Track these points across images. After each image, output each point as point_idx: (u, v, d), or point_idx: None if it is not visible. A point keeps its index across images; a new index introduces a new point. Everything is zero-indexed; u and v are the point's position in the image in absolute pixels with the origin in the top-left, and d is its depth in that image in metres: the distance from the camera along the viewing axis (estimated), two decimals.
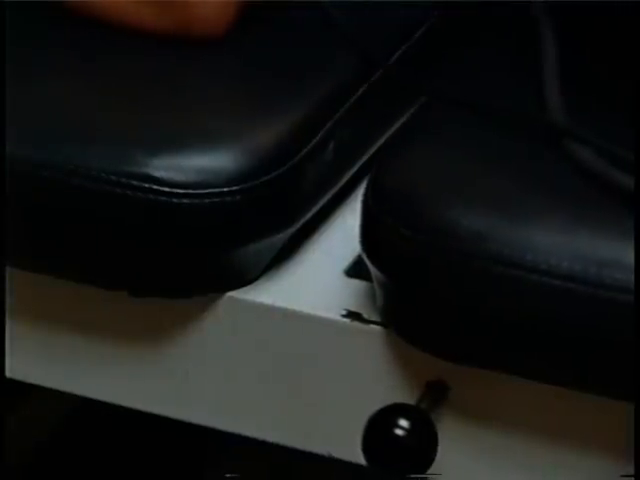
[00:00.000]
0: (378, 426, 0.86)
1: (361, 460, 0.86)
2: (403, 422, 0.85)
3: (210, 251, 0.93)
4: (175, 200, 0.89)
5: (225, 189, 0.90)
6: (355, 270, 0.94)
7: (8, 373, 1.01)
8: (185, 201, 0.89)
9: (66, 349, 1.00)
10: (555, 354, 0.86)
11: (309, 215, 0.96)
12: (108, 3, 1.02)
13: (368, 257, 0.88)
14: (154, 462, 1.40)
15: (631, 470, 0.84)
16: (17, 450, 1.38)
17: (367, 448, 0.86)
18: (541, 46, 0.94)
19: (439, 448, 0.86)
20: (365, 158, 1.03)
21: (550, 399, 0.88)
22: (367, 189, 0.90)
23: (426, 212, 0.87)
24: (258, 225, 0.93)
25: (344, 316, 0.90)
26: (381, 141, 1.04)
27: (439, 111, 0.98)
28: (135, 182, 0.89)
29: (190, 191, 0.89)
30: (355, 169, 1.02)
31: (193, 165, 0.90)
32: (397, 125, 1.04)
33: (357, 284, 0.93)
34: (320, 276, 0.95)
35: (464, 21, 1.10)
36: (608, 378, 0.86)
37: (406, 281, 0.88)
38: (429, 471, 0.87)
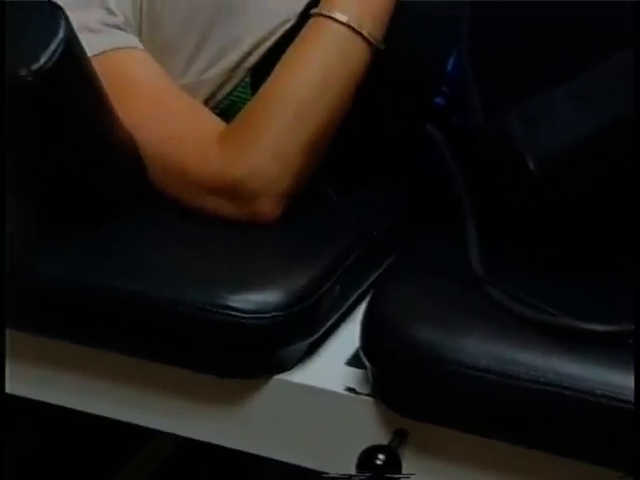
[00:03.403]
0: (366, 458, 0.89)
1: None
2: (380, 455, 0.88)
3: (265, 351, 0.95)
4: (244, 321, 0.92)
5: (273, 314, 0.92)
6: (352, 362, 0.95)
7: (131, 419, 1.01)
8: (250, 322, 0.92)
9: (170, 410, 0.99)
10: (477, 419, 0.87)
11: (324, 328, 0.97)
12: (200, 201, 1.01)
13: (365, 355, 0.91)
14: None
15: None
16: None
17: (359, 471, 0.88)
18: (466, 232, 0.94)
19: (403, 471, 0.89)
20: (359, 293, 1.02)
21: (474, 442, 0.88)
22: (365, 314, 0.92)
23: (399, 329, 0.88)
24: (293, 336, 0.95)
25: (345, 390, 0.92)
26: (368, 283, 1.03)
27: (407, 265, 0.98)
28: (220, 310, 0.92)
29: (253, 315, 0.92)
30: (352, 300, 1.02)
31: (255, 299, 0.92)
32: (378, 273, 1.04)
33: (354, 370, 0.94)
34: (330, 365, 0.96)
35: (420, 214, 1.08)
36: (517, 434, 0.86)
37: (386, 371, 0.90)
38: None
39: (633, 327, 0.83)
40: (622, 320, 0.84)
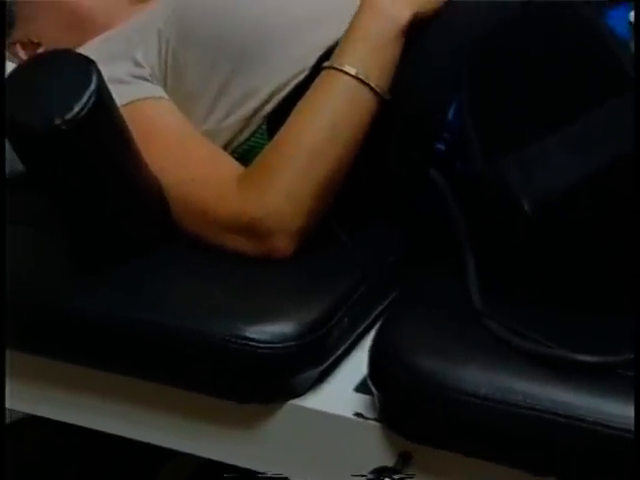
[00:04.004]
0: (373, 479, 0.89)
1: None
2: (386, 478, 0.89)
3: (279, 378, 0.95)
4: (259, 350, 0.92)
5: (287, 344, 0.92)
6: (360, 388, 0.95)
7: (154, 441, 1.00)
8: (265, 351, 0.92)
9: (192, 432, 0.98)
10: (477, 443, 0.86)
11: (334, 357, 0.97)
12: (220, 239, 1.00)
13: (372, 383, 0.91)
14: None
15: None
16: None
17: None
18: (466, 268, 0.93)
19: None
20: (365, 324, 1.01)
21: (474, 465, 0.87)
22: (372, 345, 0.92)
23: (403, 359, 0.88)
24: (305, 364, 0.95)
25: (354, 415, 0.92)
26: (374, 315, 1.02)
27: (411, 299, 0.98)
28: (239, 340, 0.92)
29: (268, 345, 0.92)
30: (360, 331, 1.01)
31: (270, 330, 0.92)
32: (382, 307, 1.03)
33: (361, 396, 0.94)
34: (340, 391, 0.96)
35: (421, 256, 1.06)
36: (515, 458, 0.85)
37: (392, 397, 0.90)
38: None
39: (623, 358, 0.82)
40: (612, 352, 0.83)
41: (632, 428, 0.79)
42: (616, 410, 0.81)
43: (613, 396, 0.82)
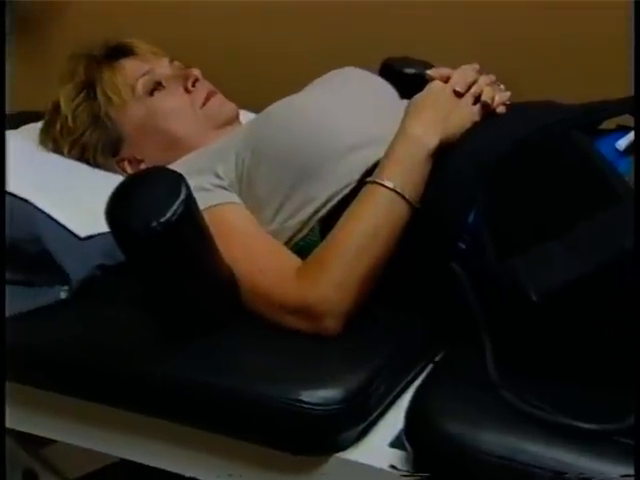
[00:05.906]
0: None
1: None
2: None
3: (327, 434, 0.94)
4: (313, 412, 0.92)
5: (334, 407, 0.92)
6: (395, 444, 0.93)
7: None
8: (317, 412, 0.92)
9: (254, 477, 0.97)
10: None
11: (372, 417, 0.96)
12: (281, 319, 1.00)
13: (407, 441, 0.90)
14: None
15: None
16: None
17: None
18: (484, 346, 0.90)
19: None
20: (398, 390, 0.99)
21: None
22: (407, 410, 0.92)
23: (432, 422, 0.87)
24: (348, 423, 0.94)
25: (389, 467, 0.91)
26: (405, 382, 1.00)
27: (438, 372, 0.97)
28: (295, 402, 0.92)
29: (319, 407, 0.92)
30: (393, 395, 0.99)
31: (320, 395, 0.92)
32: (411, 376, 1.00)
33: (395, 451, 0.92)
34: (377, 447, 0.94)
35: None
36: None
37: (422, 454, 0.89)
38: None
39: (617, 427, 0.81)
40: (608, 421, 0.83)
41: None
42: (611, 470, 0.80)
43: (607, 457, 0.81)
